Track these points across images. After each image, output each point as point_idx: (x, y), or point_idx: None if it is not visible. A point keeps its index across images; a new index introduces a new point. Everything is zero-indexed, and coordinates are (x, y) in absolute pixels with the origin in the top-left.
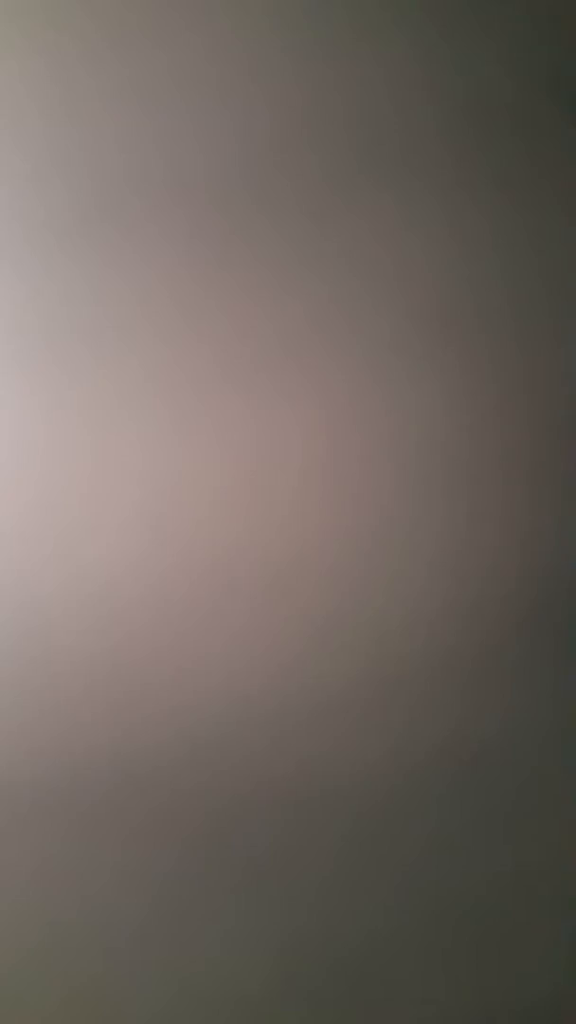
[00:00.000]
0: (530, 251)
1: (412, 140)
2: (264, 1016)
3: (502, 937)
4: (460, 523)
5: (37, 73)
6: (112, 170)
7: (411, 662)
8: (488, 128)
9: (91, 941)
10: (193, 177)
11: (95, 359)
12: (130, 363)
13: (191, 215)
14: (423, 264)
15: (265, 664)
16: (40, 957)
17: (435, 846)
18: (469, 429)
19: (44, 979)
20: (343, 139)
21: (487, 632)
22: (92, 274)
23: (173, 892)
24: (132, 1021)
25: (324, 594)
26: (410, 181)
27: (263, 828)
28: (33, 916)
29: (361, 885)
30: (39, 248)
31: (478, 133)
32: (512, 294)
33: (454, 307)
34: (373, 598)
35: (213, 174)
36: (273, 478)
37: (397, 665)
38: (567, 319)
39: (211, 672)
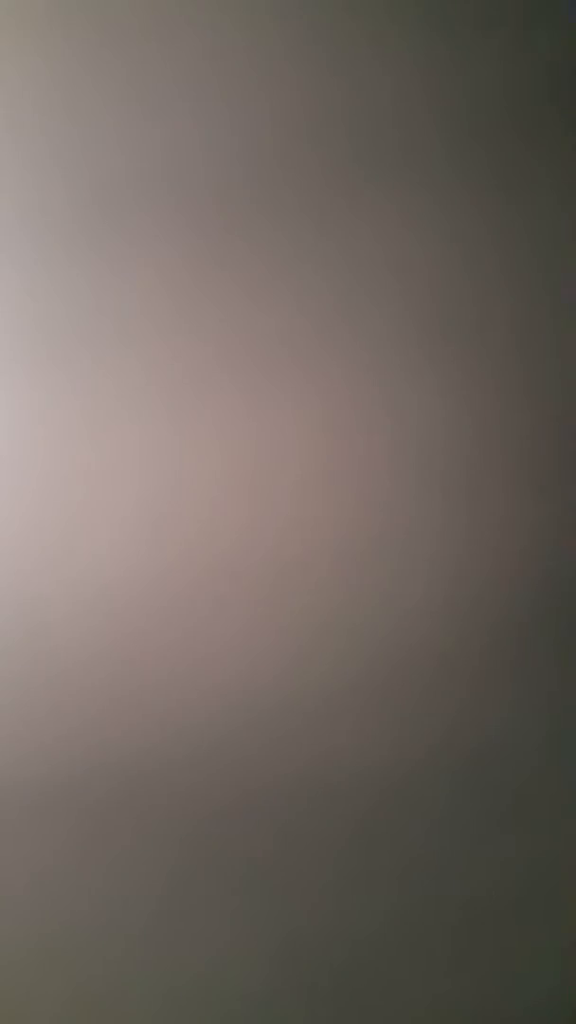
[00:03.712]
0: (530, 251)
1: (412, 140)
2: (264, 1016)
3: (502, 937)
4: (460, 523)
5: (37, 73)
6: (112, 170)
7: (411, 662)
8: (488, 128)
9: (92, 941)
10: (193, 177)
11: (95, 358)
12: (130, 362)
13: (191, 215)
14: (423, 264)
15: (265, 664)
16: (40, 957)
17: (435, 846)
18: (469, 429)
19: (44, 979)
20: (343, 139)
21: (487, 632)
22: (92, 274)
23: (173, 892)
24: (132, 1021)
25: (324, 594)
26: (410, 181)
27: (263, 828)
28: (34, 916)
29: (361, 885)
30: (39, 248)
31: (478, 133)
32: (512, 294)
33: (454, 307)
34: (373, 598)
35: (213, 174)
36: (273, 478)
37: (397, 665)
38: (567, 319)
39: (211, 672)
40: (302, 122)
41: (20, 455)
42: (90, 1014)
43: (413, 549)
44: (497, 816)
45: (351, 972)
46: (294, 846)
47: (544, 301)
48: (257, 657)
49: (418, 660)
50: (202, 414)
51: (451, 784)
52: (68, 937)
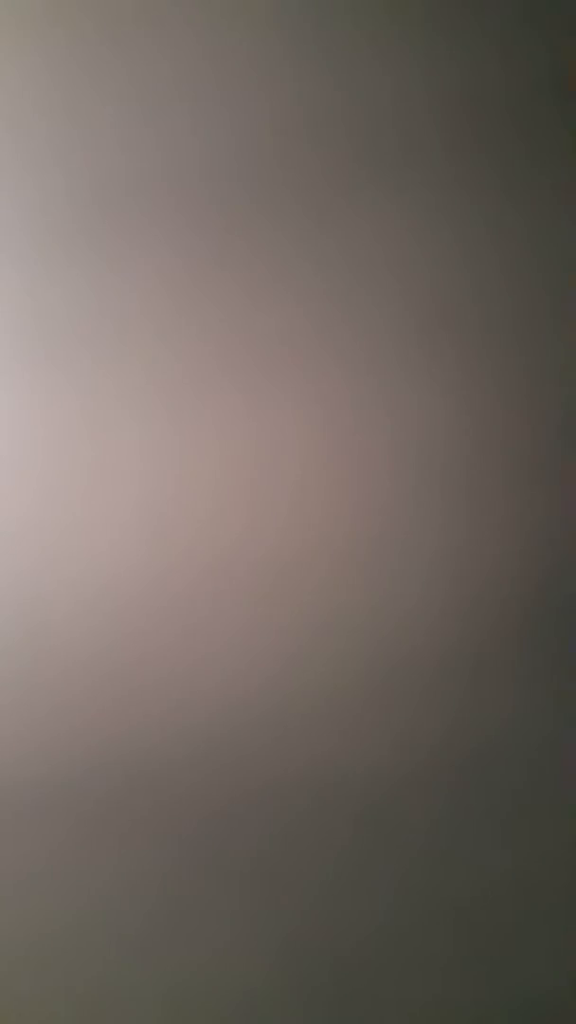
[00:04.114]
0: (530, 251)
1: (412, 140)
2: (264, 1015)
3: (502, 937)
4: (460, 523)
5: (37, 73)
6: (112, 170)
7: (411, 662)
8: (488, 128)
9: (91, 940)
10: (193, 177)
11: (95, 359)
12: (130, 363)
13: (191, 215)
14: (423, 264)
15: (265, 664)
16: (40, 957)
17: (435, 845)
18: (469, 429)
19: (44, 979)
20: (343, 138)
21: (487, 632)
22: (92, 274)
23: (173, 892)
24: (132, 1021)
25: (324, 594)
26: (410, 181)
27: (263, 828)
28: (33, 915)
29: (361, 884)
30: (39, 248)
31: (478, 133)
32: (512, 294)
33: (454, 307)
34: (373, 598)
35: (213, 174)
36: (273, 478)
37: (397, 665)
38: (567, 319)
39: (211, 672)
40: (302, 122)
41: (20, 455)
42: (90, 1014)
43: (413, 549)
44: (497, 815)
45: (351, 972)
46: (294, 846)
47: (544, 301)
48: (257, 657)
49: (418, 660)
50: (202, 414)
51: (451, 784)
52: (68, 936)
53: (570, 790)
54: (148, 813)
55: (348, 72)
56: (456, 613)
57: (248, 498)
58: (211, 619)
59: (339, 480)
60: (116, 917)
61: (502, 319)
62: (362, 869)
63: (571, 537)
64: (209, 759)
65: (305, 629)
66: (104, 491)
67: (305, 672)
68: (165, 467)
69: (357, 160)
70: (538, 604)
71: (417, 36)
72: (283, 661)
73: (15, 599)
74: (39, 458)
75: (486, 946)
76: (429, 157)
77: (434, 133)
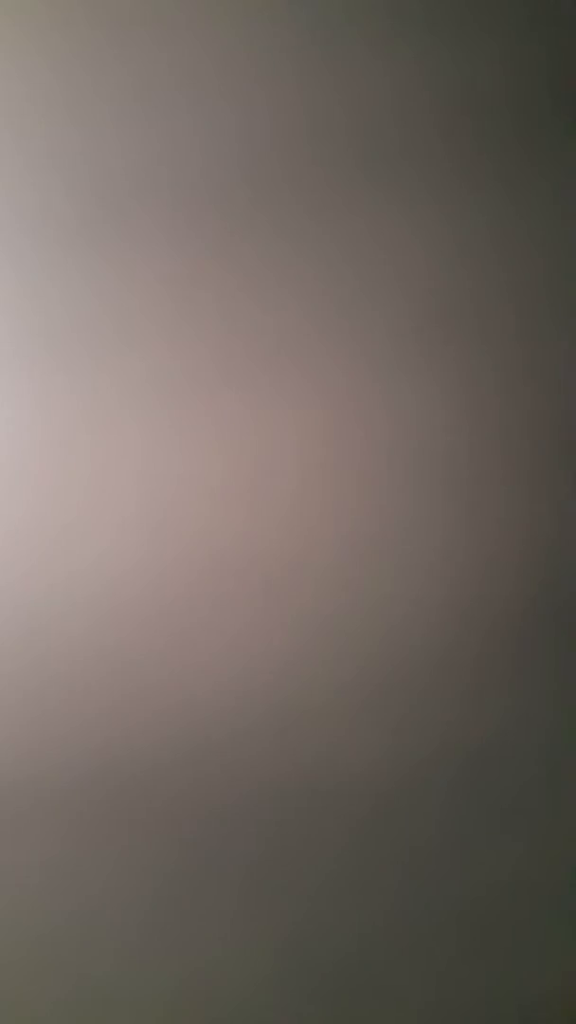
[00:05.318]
0: (530, 251)
1: (412, 140)
2: (264, 1015)
3: (502, 937)
4: (460, 523)
5: (37, 73)
6: (112, 170)
7: (411, 662)
8: (488, 128)
9: (91, 941)
10: (193, 177)
11: (95, 359)
12: (130, 363)
13: (191, 215)
14: (423, 264)
15: (265, 664)
16: (40, 957)
17: (435, 846)
18: (469, 429)
19: (44, 979)
20: (343, 139)
21: (487, 632)
22: (92, 273)
23: (173, 892)
24: (132, 1021)
25: (324, 594)
26: (410, 181)
27: (263, 828)
28: (33, 916)
29: (361, 885)
30: (39, 248)
31: (478, 133)
32: (512, 294)
33: (454, 307)
34: (373, 598)
35: (213, 174)
36: (273, 478)
37: (397, 665)
38: (567, 318)
39: (211, 672)
40: (302, 122)
41: (20, 455)
42: (88, 1014)
43: (413, 549)
44: (497, 816)
45: (350, 972)
46: (294, 846)
47: (544, 301)
48: (257, 657)
49: (418, 660)
50: (202, 413)
51: (451, 784)
52: (67, 937)
53: (570, 790)
54: (147, 813)
55: (348, 72)
56: (456, 613)
57: (248, 498)
58: (211, 619)
59: (339, 480)
60: (115, 918)
61: (502, 319)
62: (361, 870)
63: (571, 537)
64: (209, 759)
65: (305, 629)
66: (104, 491)
67: (305, 672)
68: (165, 467)
69: (357, 160)
70: (538, 604)
71: (417, 36)
72: (283, 661)
73: (15, 599)
74: (39, 458)
75: (486, 946)
76: (429, 157)
77: (434, 133)
